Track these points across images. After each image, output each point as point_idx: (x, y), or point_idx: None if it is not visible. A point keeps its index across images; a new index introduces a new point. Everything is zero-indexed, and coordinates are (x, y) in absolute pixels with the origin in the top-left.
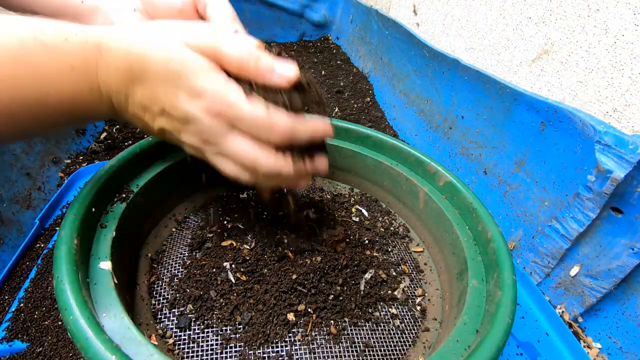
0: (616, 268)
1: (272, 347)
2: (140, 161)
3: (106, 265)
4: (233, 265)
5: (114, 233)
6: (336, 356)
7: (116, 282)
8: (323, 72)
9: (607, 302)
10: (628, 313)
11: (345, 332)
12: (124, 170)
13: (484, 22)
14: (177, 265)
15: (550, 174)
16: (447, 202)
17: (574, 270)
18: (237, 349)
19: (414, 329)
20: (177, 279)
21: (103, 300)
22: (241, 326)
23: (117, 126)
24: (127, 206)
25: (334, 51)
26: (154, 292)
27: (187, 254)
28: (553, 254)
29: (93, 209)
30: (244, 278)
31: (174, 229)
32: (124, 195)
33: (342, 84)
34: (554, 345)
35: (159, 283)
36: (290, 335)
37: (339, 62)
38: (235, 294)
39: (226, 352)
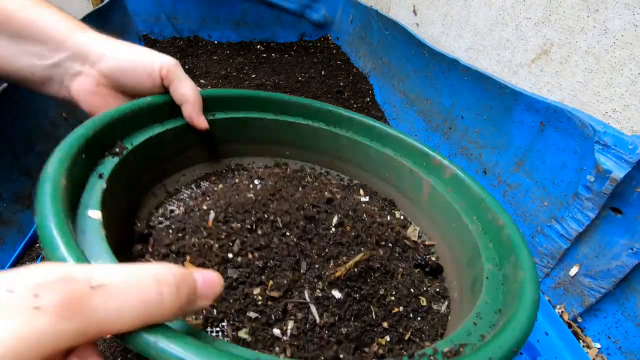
0: (615, 268)
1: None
2: (137, 119)
3: (95, 214)
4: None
5: (105, 185)
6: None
7: (106, 234)
8: (323, 72)
9: (607, 302)
10: (627, 313)
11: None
12: (118, 123)
13: (483, 22)
14: (165, 235)
15: (550, 174)
16: (453, 194)
17: (574, 270)
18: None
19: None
20: (166, 247)
21: (92, 251)
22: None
23: None
24: (119, 161)
25: (334, 51)
26: (143, 261)
27: (177, 224)
28: (552, 254)
29: (83, 156)
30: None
31: (163, 199)
32: (117, 150)
33: (342, 84)
34: (554, 345)
35: (147, 251)
36: (300, 311)
37: (339, 62)
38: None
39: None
